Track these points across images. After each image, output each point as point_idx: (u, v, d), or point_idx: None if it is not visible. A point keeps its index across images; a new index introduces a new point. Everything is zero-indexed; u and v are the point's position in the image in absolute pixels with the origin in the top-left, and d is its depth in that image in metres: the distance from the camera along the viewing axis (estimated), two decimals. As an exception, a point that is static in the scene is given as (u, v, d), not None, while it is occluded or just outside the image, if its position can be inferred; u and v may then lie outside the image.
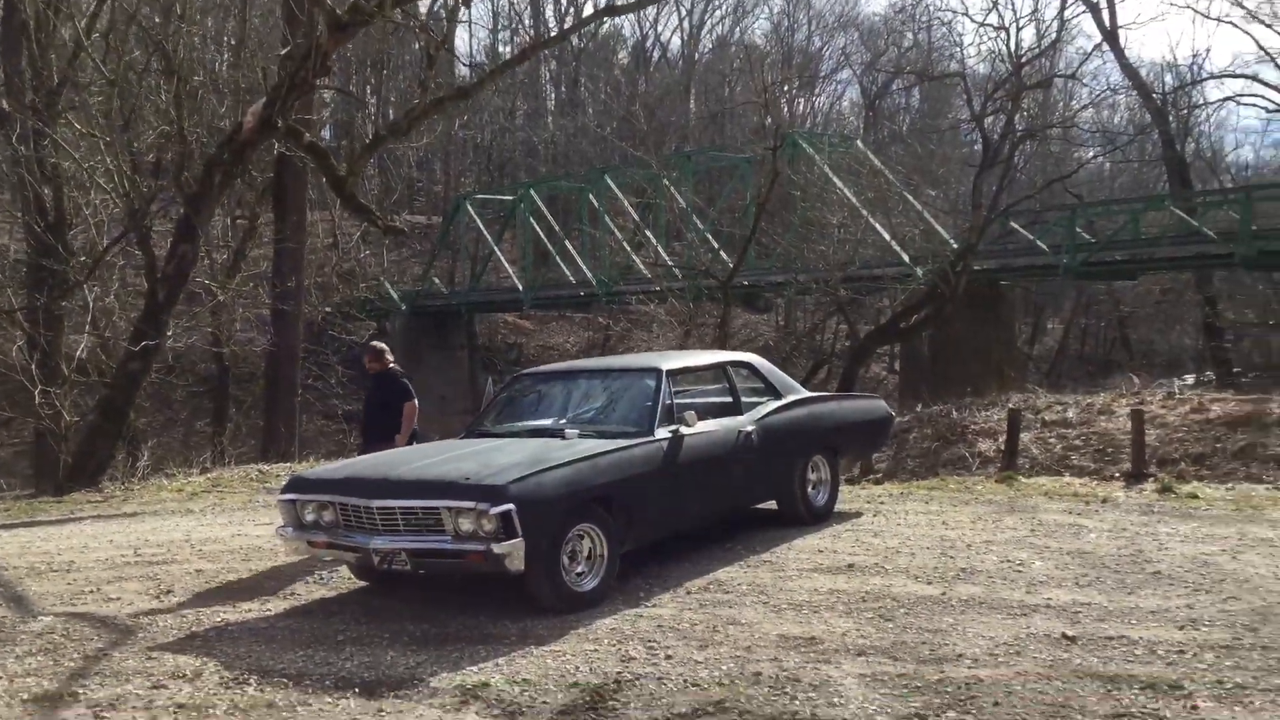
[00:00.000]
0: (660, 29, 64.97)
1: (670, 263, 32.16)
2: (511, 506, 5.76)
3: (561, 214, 45.42)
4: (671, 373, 7.41)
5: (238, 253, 20.78)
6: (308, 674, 5.26)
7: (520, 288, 41.33)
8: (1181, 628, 5.37)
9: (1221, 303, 35.22)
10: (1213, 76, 34.06)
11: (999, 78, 27.16)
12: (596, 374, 8.00)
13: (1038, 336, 55.07)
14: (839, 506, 8.89)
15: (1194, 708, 4.35)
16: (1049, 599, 5.97)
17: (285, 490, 6.73)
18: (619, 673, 5.10)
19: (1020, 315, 55.98)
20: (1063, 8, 21.82)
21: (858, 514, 8.75)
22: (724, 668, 5.11)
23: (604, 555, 6.40)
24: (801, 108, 65.51)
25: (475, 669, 5.23)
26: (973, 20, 23.95)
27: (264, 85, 14.87)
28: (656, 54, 66.52)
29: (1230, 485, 9.66)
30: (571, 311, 48.72)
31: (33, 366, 14.74)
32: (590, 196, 39.12)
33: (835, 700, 4.66)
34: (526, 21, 61.14)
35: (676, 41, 67.55)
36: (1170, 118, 32.16)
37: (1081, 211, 28.92)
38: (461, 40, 59.37)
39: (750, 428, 7.69)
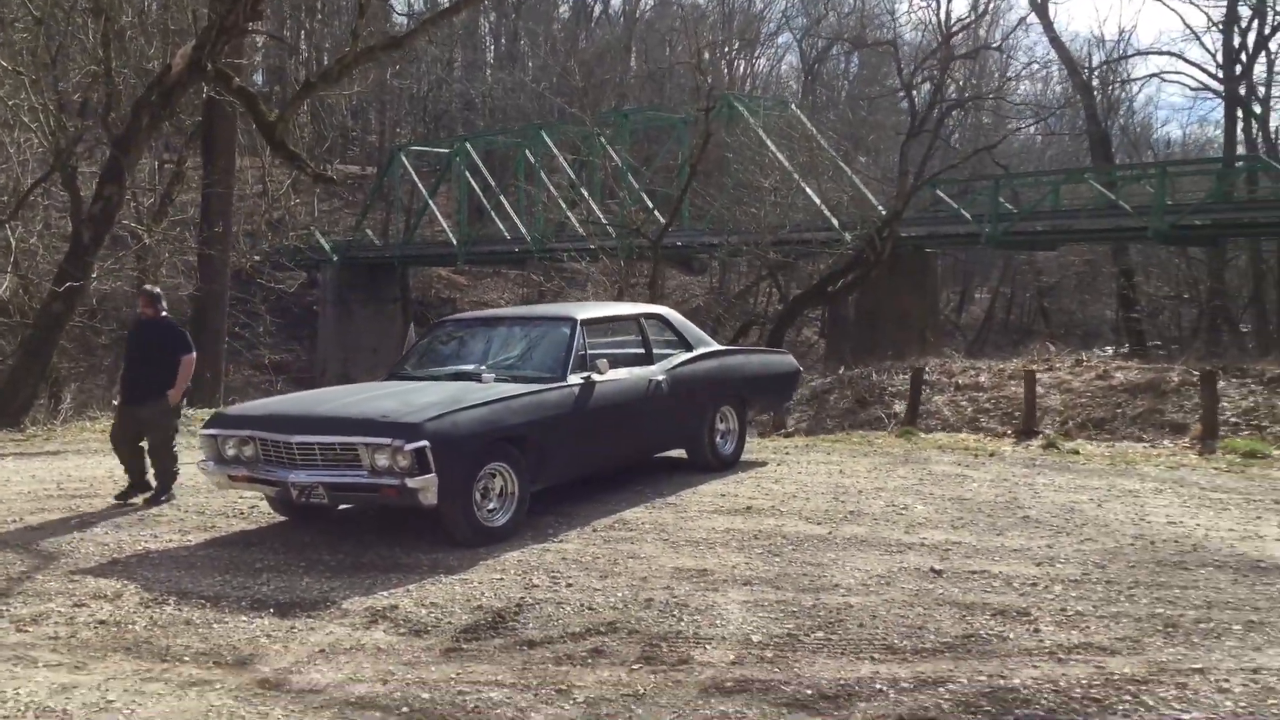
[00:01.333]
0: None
1: (604, 220, 32.43)
2: (426, 443, 6.08)
3: (498, 169, 45.29)
4: (586, 322, 7.75)
5: (165, 197, 20.60)
6: (225, 596, 5.56)
7: (454, 242, 41.25)
8: (1039, 564, 5.87)
9: (1140, 276, 36.45)
10: (1139, 53, 34.99)
11: (930, 47, 27.72)
12: (515, 322, 8.34)
13: (965, 305, 56.40)
14: (746, 456, 9.32)
15: (1036, 630, 4.82)
16: (924, 538, 6.44)
17: (207, 425, 6.97)
18: (521, 598, 5.47)
19: (949, 284, 57.32)
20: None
21: (763, 463, 9.19)
22: (619, 594, 5.50)
23: (515, 493, 6.75)
24: (741, 70, 65.81)
25: (386, 594, 5.56)
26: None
27: (194, 28, 14.79)
28: (598, 10, 66.31)
29: (1110, 443, 10.28)
30: (506, 268, 48.73)
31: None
32: (526, 152, 39.13)
33: (718, 622, 5.07)
34: (467, -28, 60.39)
35: (617, -1, 67.22)
36: (1096, 92, 32.97)
37: (1006, 183, 29.72)
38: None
39: (661, 377, 8.07)
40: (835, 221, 29.17)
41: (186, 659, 4.63)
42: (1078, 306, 45.75)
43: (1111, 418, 17.95)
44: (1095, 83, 34.13)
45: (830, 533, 6.64)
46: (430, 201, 42.85)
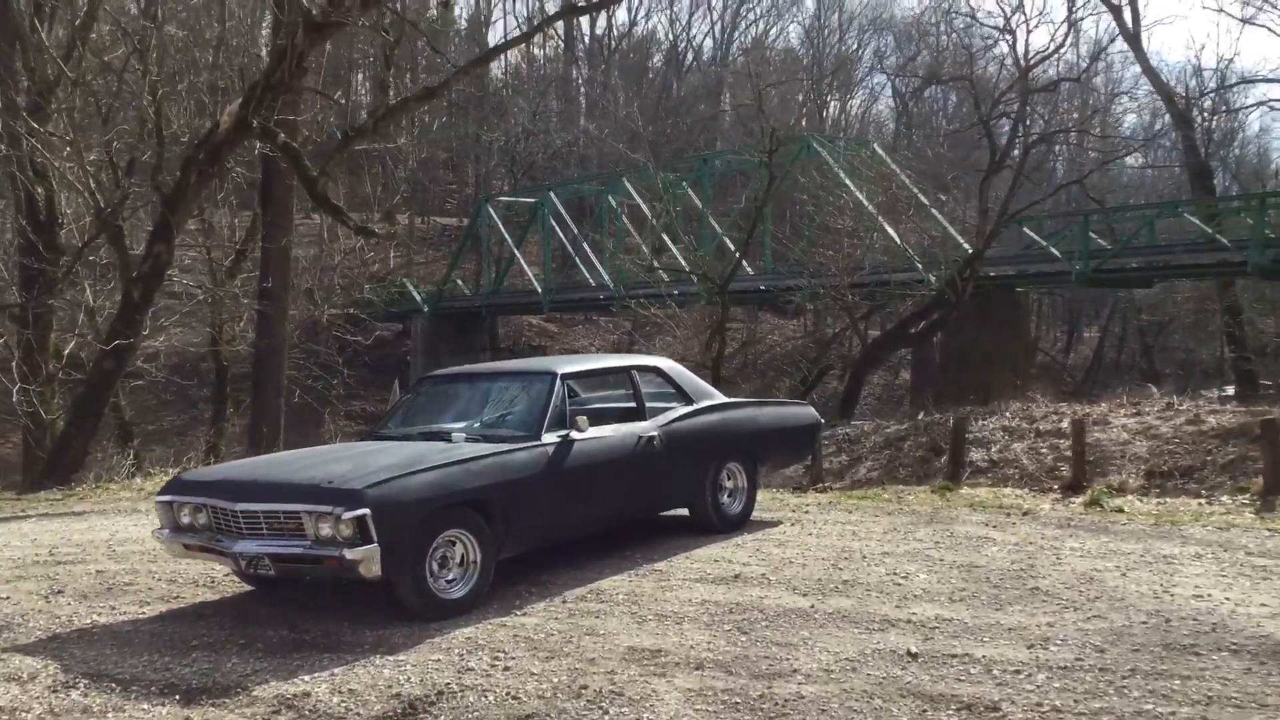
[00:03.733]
0: (694, 33, 64.74)
1: (684, 266, 32.04)
2: (366, 511, 5.73)
3: (587, 216, 45.48)
4: (567, 377, 7.35)
5: (239, 252, 20.99)
6: (140, 679, 5.26)
7: (539, 290, 41.41)
8: (1030, 646, 5.22)
9: (1257, 313, 34.53)
10: (1244, 81, 33.27)
11: (1010, 80, 26.84)
12: (497, 377, 7.98)
13: (1074, 344, 54.34)
14: (759, 514, 8.78)
15: (997, 731, 4.22)
16: (914, 614, 5.83)
17: (163, 491, 6.74)
18: (448, 684, 5.05)
19: (1056, 322, 55.36)
20: (1070, 10, 21.39)
21: (775, 523, 8.63)
22: (554, 681, 5.04)
23: (477, 562, 6.35)
24: (835, 110, 65.27)
25: (307, 678, 5.19)
26: (980, 23, 23.69)
27: (241, 86, 14.99)
28: (690, 57, 66.53)
29: (1162, 499, 9.40)
30: (593, 314, 48.82)
31: (13, 364, 14.95)
32: (610, 199, 39.14)
33: (647, 715, 4.58)
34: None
35: (710, 44, 67.49)
36: (1196, 123, 31.54)
37: (1103, 218, 28.50)
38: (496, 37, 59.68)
39: (653, 433, 7.61)
40: (918, 261, 28.35)
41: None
42: (1194, 345, 43.57)
43: (1200, 465, 16.74)
44: (1195, 113, 32.64)
45: (814, 606, 6.07)
46: (515, 250, 43.18)
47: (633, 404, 7.82)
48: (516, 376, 7.68)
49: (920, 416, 22.55)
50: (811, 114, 61.97)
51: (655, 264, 27.54)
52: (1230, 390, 30.37)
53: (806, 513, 9.09)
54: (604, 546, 7.67)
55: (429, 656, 5.48)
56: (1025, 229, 27.85)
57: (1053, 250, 26.61)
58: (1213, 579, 6.31)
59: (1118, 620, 5.58)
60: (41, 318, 15.98)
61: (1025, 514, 8.61)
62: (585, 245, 40.78)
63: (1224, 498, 9.30)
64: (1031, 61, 23.26)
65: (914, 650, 5.22)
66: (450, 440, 6.82)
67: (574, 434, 7.00)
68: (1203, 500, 9.23)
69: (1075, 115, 40.52)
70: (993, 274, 28.61)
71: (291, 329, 23.97)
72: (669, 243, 35.94)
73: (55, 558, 8.23)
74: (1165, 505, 8.99)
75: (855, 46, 64.86)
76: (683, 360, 27.71)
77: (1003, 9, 21.80)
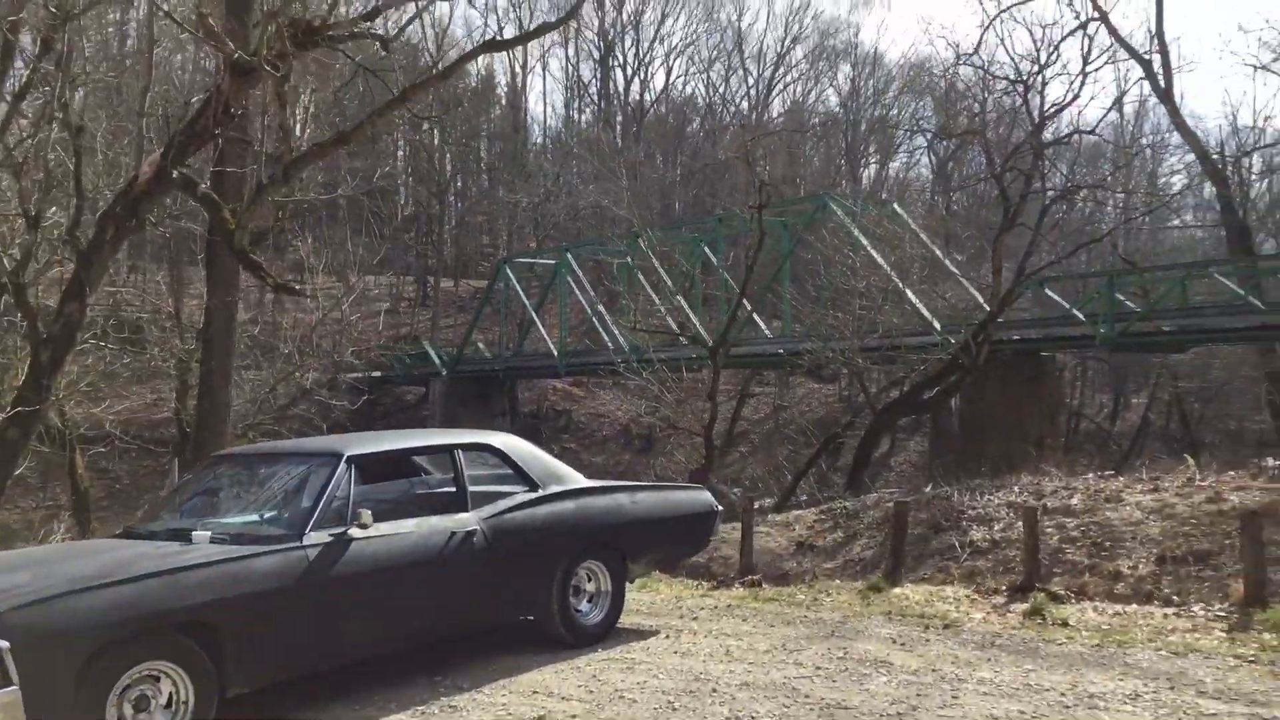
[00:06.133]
0: (730, 94, 64.20)
1: (676, 329, 30.71)
2: (4, 644, 4.45)
3: (606, 277, 44.58)
4: (358, 460, 6.03)
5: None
6: None
7: (555, 353, 40.38)
8: None
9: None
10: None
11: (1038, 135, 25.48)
12: (279, 459, 6.63)
13: (1120, 411, 51.99)
14: (639, 620, 7.39)
15: None
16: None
17: None
18: None
19: (1099, 388, 53.13)
20: (1084, 63, 20.02)
21: (651, 632, 7.21)
22: None
23: (190, 701, 5.02)
24: (873, 173, 64.09)
25: None
26: (993, 75, 22.41)
27: (165, 135, 14.09)
28: (725, 118, 65.88)
29: (1120, 609, 7.79)
30: (608, 377, 47.76)
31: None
32: (629, 259, 38.12)
33: None
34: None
35: (745, 106, 66.83)
36: (1232, 180, 29.87)
37: (1136, 278, 26.88)
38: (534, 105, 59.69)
39: (474, 527, 6.28)
40: (936, 324, 26.87)
41: None
42: (1246, 412, 41.20)
43: (1219, 550, 15.02)
44: (1233, 171, 30.97)
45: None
46: (533, 313, 42.26)
47: (452, 489, 6.48)
48: (299, 458, 6.36)
49: (929, 489, 20.96)
50: (847, 175, 60.93)
51: (636, 327, 26.31)
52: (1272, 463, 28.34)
53: (696, 619, 7.65)
54: (414, 666, 6.31)
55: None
56: (1047, 290, 26.23)
57: (1076, 313, 24.95)
58: (1134, 738, 4.80)
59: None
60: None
61: (947, 627, 7.09)
62: (600, 306, 39.75)
63: (1196, 606, 7.70)
64: (1046, 115, 21.87)
65: None
66: (193, 540, 5.54)
67: (354, 532, 5.69)
68: (1170, 612, 7.62)
69: (1114, 173, 38.94)
70: (1016, 337, 27.06)
71: (268, 390, 22.98)
72: (683, 303, 34.85)
73: None
74: (1122, 616, 7.41)
75: (894, 109, 63.73)
76: (685, 424, 26.33)
77: (1013, 61, 20.76)
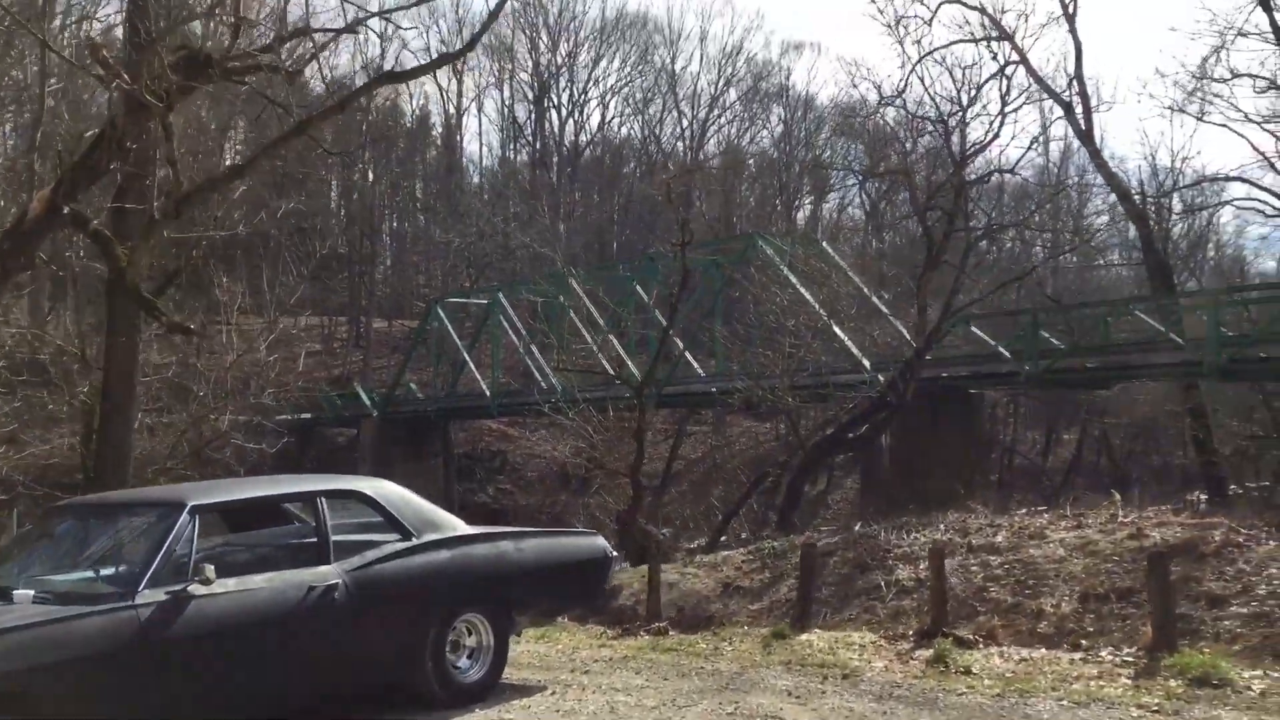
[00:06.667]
0: (663, 134, 64.48)
1: (609, 368, 30.39)
2: None
3: (539, 317, 44.24)
4: (201, 510, 5.60)
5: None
6: None
7: (487, 394, 39.87)
8: None
9: (1232, 417, 32.75)
10: (1204, 180, 32.25)
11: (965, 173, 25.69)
12: (120, 509, 6.18)
13: (1051, 447, 52.44)
14: (528, 674, 6.99)
15: None
16: None
17: None
18: None
19: (1034, 425, 53.60)
20: (1003, 104, 20.23)
21: (538, 688, 6.81)
22: None
23: (1, 777, 4.55)
24: (808, 212, 64.57)
25: None
26: (911, 115, 22.73)
27: (59, 170, 13.61)
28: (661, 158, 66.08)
29: (1026, 655, 7.52)
30: (543, 417, 47.30)
31: None
32: (561, 298, 37.81)
33: None
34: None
35: (680, 147, 67.12)
36: (1152, 220, 30.37)
37: (1061, 316, 27.09)
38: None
39: (335, 580, 5.85)
40: (866, 362, 26.88)
41: None
42: (1173, 448, 41.70)
43: (1140, 588, 14.94)
44: (1155, 211, 31.53)
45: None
46: (464, 353, 41.75)
47: (313, 539, 6.05)
48: (140, 509, 5.91)
49: (856, 528, 20.75)
50: (782, 215, 61.34)
51: (560, 367, 26.02)
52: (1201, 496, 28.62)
53: (588, 672, 7.27)
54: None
55: None
56: (975, 328, 26.35)
57: (1002, 350, 25.07)
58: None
59: None
60: None
61: (846, 677, 6.78)
62: (533, 347, 39.39)
63: (1105, 651, 7.45)
64: (967, 154, 22.00)
65: None
66: (11, 600, 5.05)
67: (194, 588, 5.24)
68: (1078, 657, 7.36)
69: (1035, 211, 39.47)
70: (946, 375, 27.11)
71: (181, 433, 22.25)
72: (615, 343, 34.56)
73: None
74: (1027, 663, 7.14)
75: (827, 151, 64.35)
76: (612, 465, 25.94)
77: (934, 102, 20.94)
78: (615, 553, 7.53)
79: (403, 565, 6.20)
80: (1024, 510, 20.59)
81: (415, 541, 6.35)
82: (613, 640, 8.65)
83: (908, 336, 27.00)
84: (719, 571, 18.00)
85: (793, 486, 25.24)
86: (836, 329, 27.25)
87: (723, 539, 22.98)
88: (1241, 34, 25.37)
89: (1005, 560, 16.76)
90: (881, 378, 24.75)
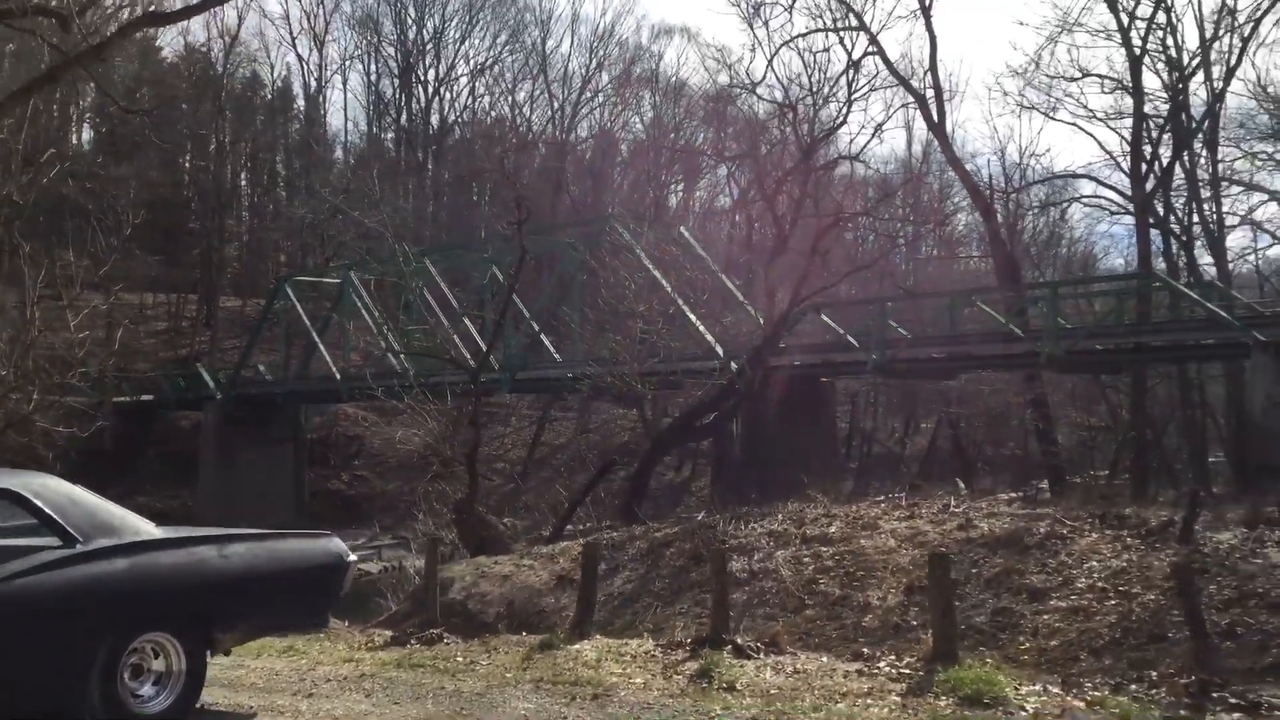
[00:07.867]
0: (531, 116, 63.23)
1: (464, 353, 29.35)
2: None
3: (393, 299, 42.69)
4: None
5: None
6: None
7: (338, 377, 38.23)
8: None
9: (1073, 407, 33.53)
10: (1054, 176, 32.83)
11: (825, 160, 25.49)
12: None
13: (909, 435, 53.10)
14: (242, 700, 6.06)
15: None
16: None
17: None
18: None
19: (894, 413, 54.24)
20: (849, 91, 20.01)
21: (246, 716, 5.87)
22: None
23: None
24: (680, 200, 64.08)
25: None
26: (761, 98, 22.41)
27: None
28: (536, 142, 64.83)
29: (801, 667, 6.89)
30: (400, 401, 45.77)
31: None
32: (418, 282, 36.42)
33: None
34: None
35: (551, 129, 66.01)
36: (999, 214, 30.74)
37: (914, 304, 27.11)
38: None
39: (-34, 596, 4.84)
40: (719, 349, 26.41)
41: None
42: (1015, 438, 42.53)
43: (965, 580, 14.75)
44: (1004, 206, 31.93)
45: None
46: (314, 334, 40.01)
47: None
48: None
49: (699, 518, 20.23)
50: (653, 201, 60.73)
51: (397, 350, 24.99)
52: (1045, 485, 29.11)
53: (312, 695, 6.38)
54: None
55: None
56: (825, 317, 26.13)
57: (850, 339, 24.89)
58: None
59: None
60: None
61: (596, 697, 6.03)
62: (386, 329, 37.92)
63: (884, 663, 6.85)
64: (816, 140, 21.67)
65: None
66: None
67: None
68: (854, 669, 6.74)
69: (881, 201, 39.63)
70: (798, 363, 26.84)
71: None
72: (469, 325, 33.45)
73: None
74: (799, 677, 6.49)
75: (696, 136, 63.96)
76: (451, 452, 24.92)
77: (782, 85, 20.55)
78: (353, 557, 6.58)
79: (59, 577, 5.20)
80: (865, 500, 20.40)
81: (80, 549, 5.35)
82: (369, 652, 7.75)
83: (761, 324, 26.68)
84: (555, 564, 17.24)
85: (638, 475, 24.67)
86: (690, 315, 26.75)
87: (569, 529, 22.30)
88: (1074, 27, 25.71)
89: (837, 551, 16.38)
90: (735, 365, 24.34)
